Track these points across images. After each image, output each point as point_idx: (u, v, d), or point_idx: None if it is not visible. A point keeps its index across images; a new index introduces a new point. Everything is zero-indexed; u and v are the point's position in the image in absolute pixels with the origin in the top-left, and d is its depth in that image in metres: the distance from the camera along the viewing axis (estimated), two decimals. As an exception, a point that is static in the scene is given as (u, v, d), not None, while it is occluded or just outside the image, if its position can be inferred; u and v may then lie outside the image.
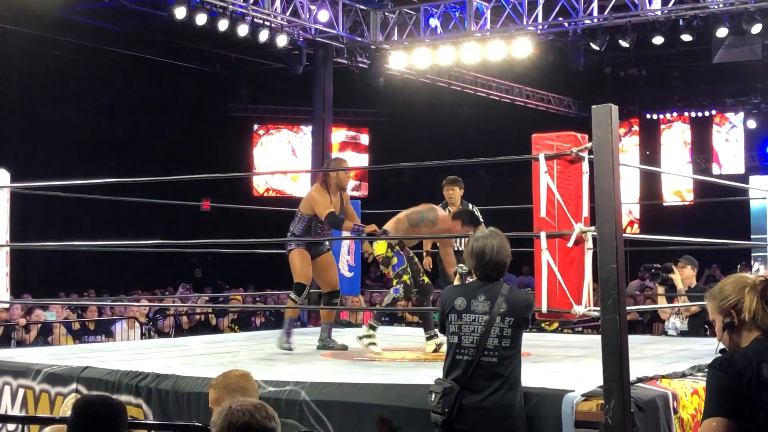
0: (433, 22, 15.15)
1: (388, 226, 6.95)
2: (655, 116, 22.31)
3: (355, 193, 21.81)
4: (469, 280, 4.79)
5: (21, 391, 6.10)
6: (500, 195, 10.26)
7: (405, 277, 6.81)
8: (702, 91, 21.41)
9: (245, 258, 13.97)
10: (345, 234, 7.46)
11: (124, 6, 14.80)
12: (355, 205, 7.85)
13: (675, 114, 22.17)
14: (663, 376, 4.83)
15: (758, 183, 17.64)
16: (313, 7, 14.52)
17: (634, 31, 13.75)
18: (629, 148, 22.16)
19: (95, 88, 18.30)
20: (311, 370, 5.93)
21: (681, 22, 13.50)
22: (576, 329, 10.34)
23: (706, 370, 2.94)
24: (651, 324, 11.71)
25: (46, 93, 17.53)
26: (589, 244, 4.64)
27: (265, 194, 22.92)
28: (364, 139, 23.97)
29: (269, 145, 23.27)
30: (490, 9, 14.48)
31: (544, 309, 4.75)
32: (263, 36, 13.80)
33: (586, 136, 4.73)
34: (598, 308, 4.32)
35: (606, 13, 13.70)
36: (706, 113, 21.75)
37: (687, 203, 20.89)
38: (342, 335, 7.64)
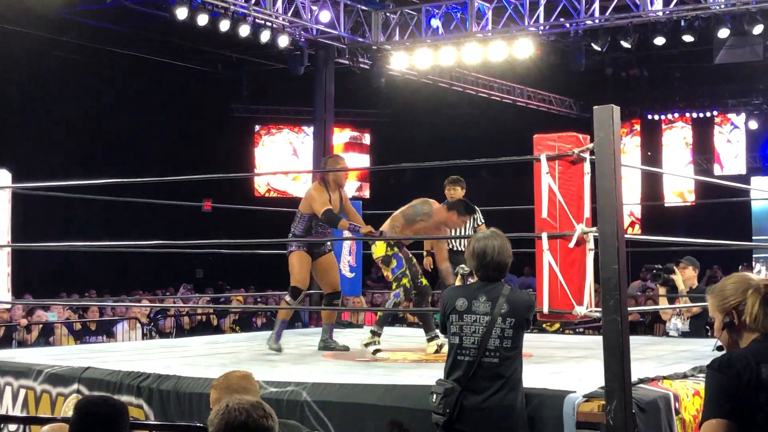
0: (435, 22, 15.15)
1: (384, 226, 6.92)
2: (656, 117, 22.32)
3: (357, 194, 21.83)
4: (471, 280, 4.79)
5: (22, 392, 6.10)
6: (501, 195, 10.28)
7: (404, 281, 6.78)
8: (703, 92, 21.41)
9: (246, 258, 13.96)
10: (343, 233, 7.44)
11: (126, 6, 14.81)
12: (357, 206, 7.84)
13: (676, 115, 22.17)
14: (664, 377, 4.83)
15: (760, 184, 17.67)
16: (314, 8, 14.52)
17: (636, 31, 13.74)
18: (630, 148, 22.16)
19: (97, 88, 18.31)
20: (313, 370, 5.93)
21: (682, 23, 13.49)
22: (577, 330, 10.34)
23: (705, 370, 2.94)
24: (652, 325, 11.70)
25: (47, 93, 17.54)
26: (591, 244, 4.63)
27: (267, 195, 22.93)
28: (366, 139, 23.98)
29: (270, 146, 23.28)
30: (492, 9, 14.48)
31: (545, 310, 4.74)
32: (265, 36, 13.80)
33: (588, 137, 4.73)
34: (600, 309, 4.31)
35: (607, 13, 13.69)
36: (708, 114, 21.75)
37: (688, 204, 20.88)
38: (343, 336, 7.64)
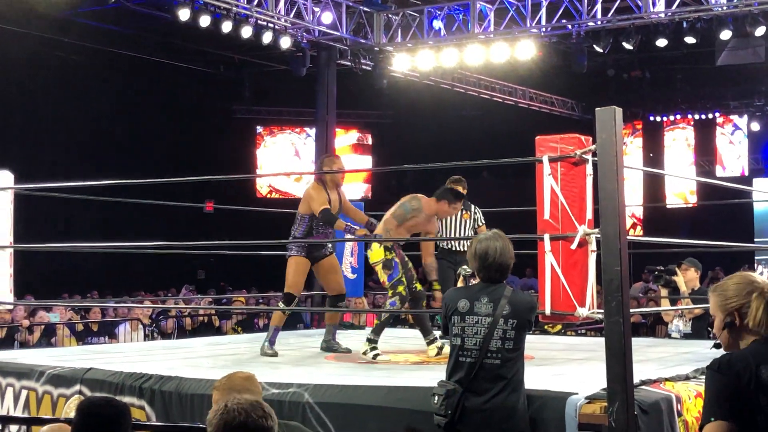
0: (437, 24, 15.15)
1: (378, 230, 6.89)
2: (658, 118, 22.30)
3: (354, 195, 21.82)
4: (473, 282, 4.79)
5: (24, 393, 6.10)
6: (503, 197, 10.29)
7: (400, 288, 6.73)
8: (705, 94, 21.39)
9: (248, 259, 13.96)
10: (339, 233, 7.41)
11: (128, 7, 14.81)
12: (359, 207, 7.83)
13: (678, 116, 22.16)
14: (666, 379, 4.83)
15: (762, 185, 17.63)
16: (316, 9, 14.53)
17: (638, 33, 13.73)
18: (632, 150, 22.15)
19: (98, 89, 18.31)
20: (315, 372, 5.93)
21: (684, 25, 13.48)
22: (579, 332, 10.34)
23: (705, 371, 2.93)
24: (654, 326, 11.70)
25: (48, 94, 17.55)
26: (593, 246, 4.63)
27: (268, 196, 22.93)
28: (368, 140, 24.00)
29: (272, 147, 23.29)
30: (494, 11, 14.48)
31: (547, 311, 4.74)
32: (267, 38, 13.80)
33: (590, 139, 4.74)
34: (602, 311, 4.31)
35: (609, 15, 13.68)
36: (710, 115, 21.73)
37: (690, 205, 20.86)
38: (345, 337, 7.63)
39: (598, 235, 4.40)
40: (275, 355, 6.91)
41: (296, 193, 21.81)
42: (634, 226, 21.39)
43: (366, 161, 23.43)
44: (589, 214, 4.72)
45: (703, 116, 21.78)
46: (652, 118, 22.28)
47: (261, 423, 2.73)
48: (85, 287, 16.25)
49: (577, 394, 4.34)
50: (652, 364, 5.61)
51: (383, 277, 6.80)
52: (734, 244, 9.06)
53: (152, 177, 7.32)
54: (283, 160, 22.92)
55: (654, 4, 13.34)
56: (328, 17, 14.64)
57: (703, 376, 4.96)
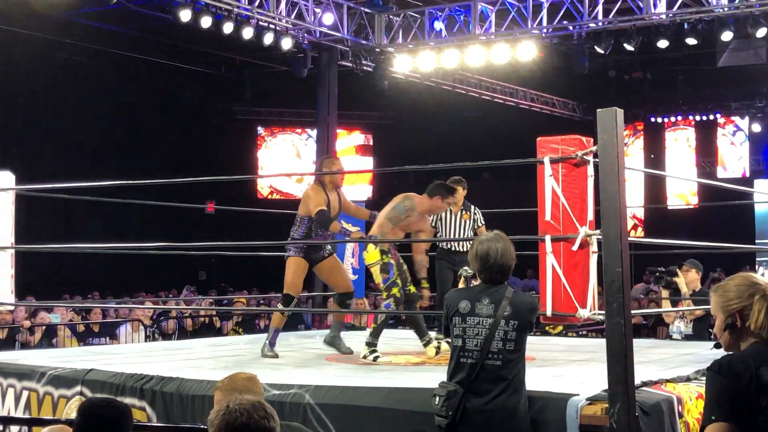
0: (438, 25, 15.15)
1: (373, 232, 6.88)
2: (659, 119, 22.30)
3: (359, 197, 21.81)
4: (474, 283, 4.79)
5: (25, 394, 6.10)
6: (505, 198, 10.29)
7: (394, 290, 6.74)
8: (707, 95, 21.39)
9: (249, 260, 13.97)
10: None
11: (129, 9, 14.80)
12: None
13: (680, 117, 22.15)
14: (668, 380, 4.83)
15: (763, 187, 17.63)
16: (317, 10, 14.53)
17: (639, 34, 13.73)
18: (634, 151, 22.15)
19: (100, 90, 18.32)
20: (315, 373, 5.93)
21: (686, 26, 13.48)
22: (580, 333, 10.34)
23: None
24: (655, 328, 11.69)
25: (50, 95, 17.56)
26: (594, 247, 4.63)
27: (270, 197, 22.93)
28: (369, 141, 23.99)
29: (273, 148, 23.29)
30: (495, 12, 14.47)
31: (548, 312, 4.74)
32: (268, 39, 13.81)
33: (591, 140, 4.74)
34: (603, 312, 4.31)
35: (611, 16, 13.68)
36: (711, 117, 21.72)
37: (691, 207, 20.85)
38: (347, 338, 7.63)
39: (599, 237, 4.40)
40: (276, 356, 6.91)
41: (297, 194, 21.78)
42: (635, 227, 21.39)
43: (369, 162, 23.43)
44: (591, 216, 4.72)
45: (704, 117, 21.77)
46: (653, 120, 22.27)
47: (263, 424, 2.71)
48: (86, 288, 16.25)
49: (578, 395, 4.34)
50: (653, 366, 5.61)
51: (378, 278, 6.80)
52: (735, 245, 9.07)
53: (153, 178, 7.32)
54: (284, 161, 22.91)
55: (655, 6, 13.34)
56: (329, 18, 14.64)
57: (704, 378, 4.97)
